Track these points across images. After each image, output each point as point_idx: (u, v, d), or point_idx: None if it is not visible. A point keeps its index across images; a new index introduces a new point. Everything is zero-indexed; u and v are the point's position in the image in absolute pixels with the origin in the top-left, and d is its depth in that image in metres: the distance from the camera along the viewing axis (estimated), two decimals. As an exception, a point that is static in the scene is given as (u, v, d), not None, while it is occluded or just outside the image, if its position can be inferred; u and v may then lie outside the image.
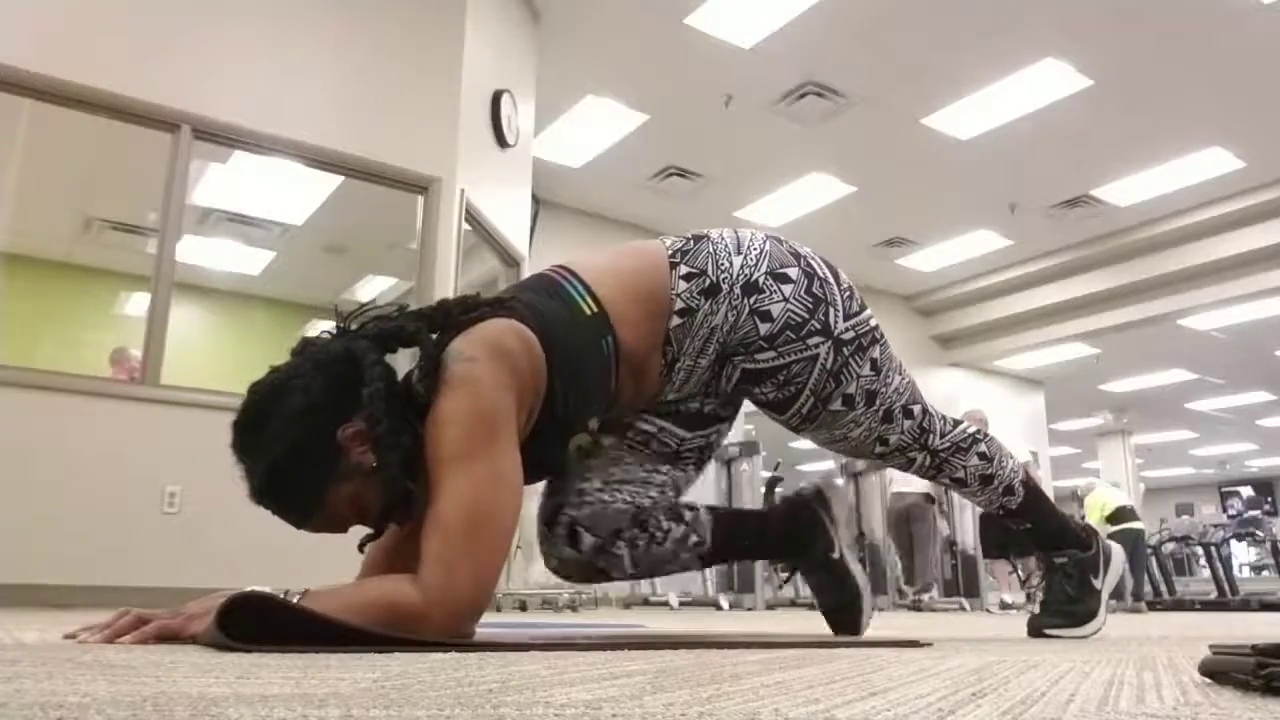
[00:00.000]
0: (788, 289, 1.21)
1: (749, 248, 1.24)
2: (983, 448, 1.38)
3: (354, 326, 1.04)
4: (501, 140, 4.35)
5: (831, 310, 1.23)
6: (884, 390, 1.28)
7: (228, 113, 3.47)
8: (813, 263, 1.27)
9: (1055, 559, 1.47)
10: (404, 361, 1.04)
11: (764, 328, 1.19)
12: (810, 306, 1.22)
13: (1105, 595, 1.47)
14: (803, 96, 5.39)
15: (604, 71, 5.27)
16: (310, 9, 3.78)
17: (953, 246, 7.73)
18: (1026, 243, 7.60)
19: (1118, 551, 1.51)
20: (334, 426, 0.96)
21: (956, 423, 1.39)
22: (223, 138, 3.51)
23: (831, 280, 1.26)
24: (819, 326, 1.22)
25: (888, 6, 4.61)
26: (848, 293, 1.27)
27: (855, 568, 1.41)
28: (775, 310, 1.20)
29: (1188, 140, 5.91)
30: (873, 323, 1.29)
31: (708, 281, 1.19)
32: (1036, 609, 1.58)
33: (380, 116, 3.82)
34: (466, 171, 3.98)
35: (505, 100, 4.35)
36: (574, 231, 6.77)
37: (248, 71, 3.57)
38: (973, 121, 5.66)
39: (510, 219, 4.52)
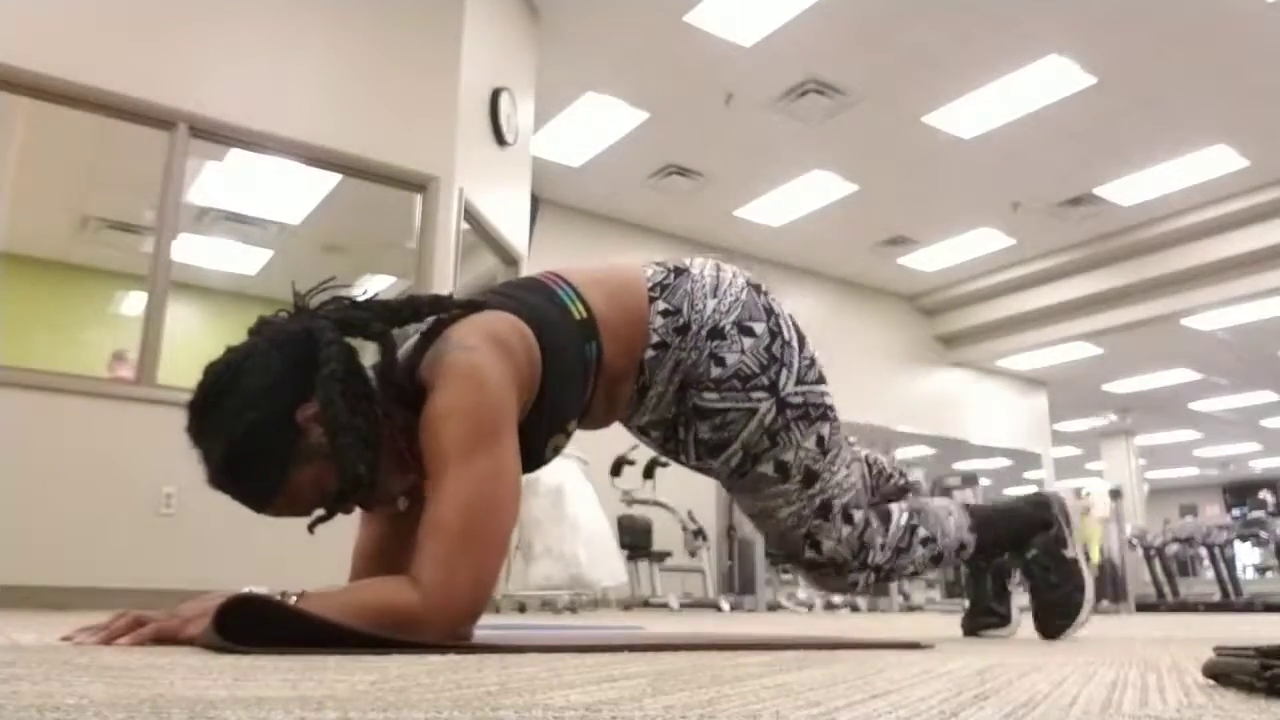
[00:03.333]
0: (748, 342, 1.22)
1: (725, 293, 1.25)
2: (923, 532, 1.32)
3: (313, 306, 1.02)
4: (500, 138, 4.35)
5: (784, 371, 1.23)
6: (826, 475, 1.23)
7: (225, 111, 3.47)
8: (781, 323, 1.27)
9: (1026, 555, 1.49)
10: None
11: (715, 371, 1.21)
12: (764, 363, 1.22)
13: (1081, 555, 1.49)
14: (804, 94, 5.39)
15: (604, 69, 5.27)
16: (308, 7, 3.78)
17: (955, 245, 7.72)
18: (1029, 242, 7.59)
19: (1066, 496, 1.53)
20: (293, 407, 0.93)
21: (885, 515, 1.31)
22: (220, 136, 3.51)
23: (795, 346, 1.26)
24: (766, 383, 1.21)
25: (889, 4, 4.60)
26: (808, 362, 1.26)
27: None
28: (730, 359, 1.21)
29: (1192, 138, 5.90)
30: (828, 400, 1.26)
31: (681, 320, 1.20)
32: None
33: (378, 114, 3.82)
34: (465, 170, 3.98)
35: (504, 98, 4.35)
36: (573, 230, 6.77)
37: (245, 69, 3.56)
38: (975, 119, 5.65)
39: (509, 218, 4.51)
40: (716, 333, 1.21)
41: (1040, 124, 5.66)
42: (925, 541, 1.32)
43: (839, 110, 5.56)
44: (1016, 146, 5.96)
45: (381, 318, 1.01)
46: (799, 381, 1.23)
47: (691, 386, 1.22)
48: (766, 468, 1.22)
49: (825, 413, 1.25)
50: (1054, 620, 1.48)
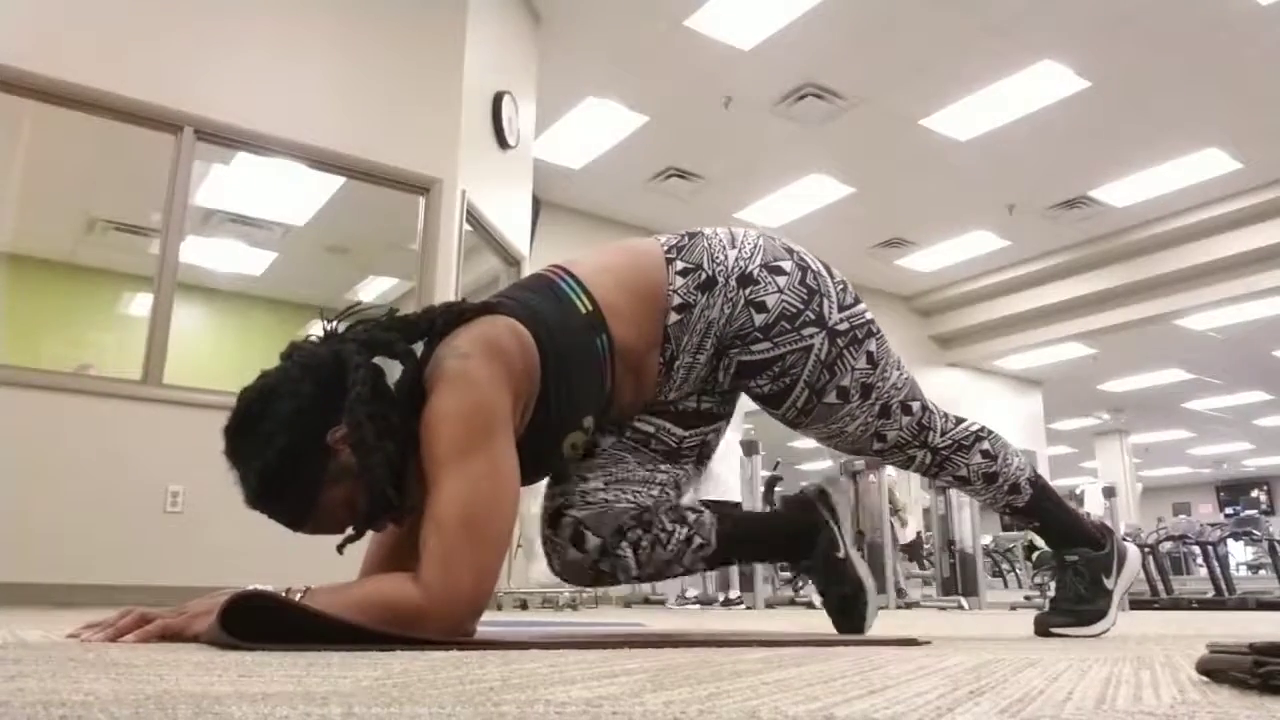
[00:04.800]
0: (782, 280, 1.22)
1: (743, 242, 1.26)
2: (986, 445, 1.38)
3: (342, 329, 1.04)
4: (502, 141, 4.35)
5: (826, 301, 1.25)
6: (880, 384, 1.28)
7: (230, 114, 3.48)
8: (805, 257, 1.29)
9: (1066, 556, 1.47)
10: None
11: (759, 318, 1.20)
12: (805, 297, 1.23)
13: (1118, 595, 1.46)
14: (802, 98, 5.40)
15: (604, 73, 5.27)
16: (313, 11, 3.78)
17: (951, 247, 7.74)
18: (1024, 243, 7.61)
19: (1133, 551, 1.49)
20: (324, 429, 0.96)
21: (959, 420, 1.39)
22: (225, 139, 3.52)
23: (825, 273, 1.28)
24: (813, 317, 1.22)
25: (887, 9, 4.61)
26: (841, 286, 1.29)
27: (861, 566, 1.38)
28: (770, 301, 1.21)
29: (1185, 141, 5.92)
30: (868, 316, 1.30)
31: (704, 275, 1.20)
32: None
33: (382, 118, 3.83)
34: (467, 172, 3.98)
35: (506, 101, 4.36)
36: (575, 232, 6.78)
37: (250, 73, 3.57)
38: (971, 123, 5.67)
39: (511, 220, 4.52)
40: (746, 279, 1.21)
41: (1035, 127, 5.68)
42: (985, 455, 1.37)
43: (837, 114, 5.57)
44: (1011, 149, 5.98)
45: (404, 335, 1.03)
46: (841, 308, 1.26)
47: (734, 346, 1.22)
48: (830, 397, 1.25)
49: (869, 329, 1.28)
50: (1057, 619, 1.46)
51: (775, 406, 1.27)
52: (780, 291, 1.21)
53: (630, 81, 5.35)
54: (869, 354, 1.27)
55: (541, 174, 5.61)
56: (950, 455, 1.36)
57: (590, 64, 5.18)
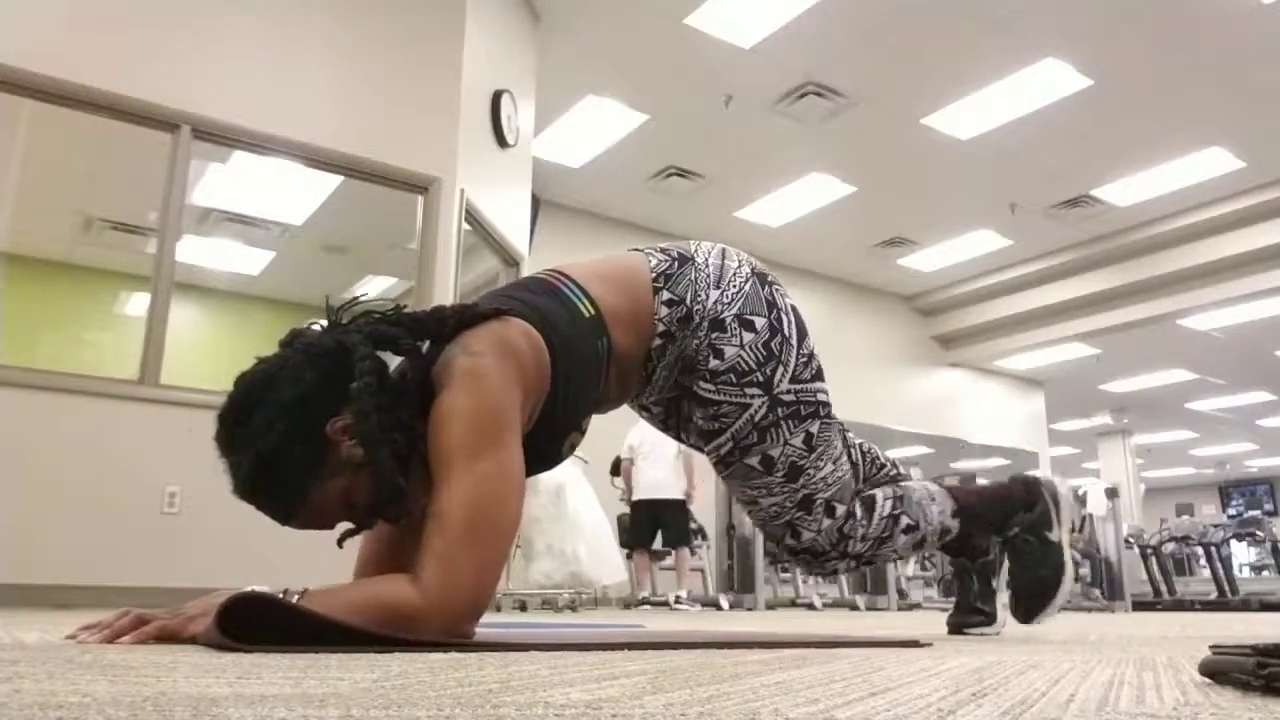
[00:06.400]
0: (748, 337, 1.22)
1: (729, 283, 1.24)
2: (905, 520, 1.33)
3: (345, 320, 1.02)
4: (501, 140, 4.35)
5: (780, 369, 1.23)
6: (810, 470, 1.24)
7: (228, 113, 3.47)
8: (783, 317, 1.26)
9: (1007, 534, 1.46)
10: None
11: (713, 363, 1.21)
12: (761, 359, 1.22)
13: (1066, 541, 1.46)
14: (803, 96, 5.40)
15: (604, 71, 5.27)
16: (310, 9, 3.78)
17: (953, 246, 7.74)
18: (1027, 243, 7.61)
19: (1062, 487, 1.48)
20: (324, 420, 0.94)
21: (869, 507, 1.31)
22: (222, 138, 3.51)
23: (793, 342, 1.26)
24: (761, 379, 1.22)
25: (888, 6, 4.61)
26: (805, 359, 1.26)
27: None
28: (728, 352, 1.21)
29: (1188, 140, 5.92)
30: (822, 398, 1.26)
31: (684, 311, 1.21)
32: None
33: (380, 116, 3.83)
34: (466, 171, 3.98)
35: (505, 100, 4.36)
36: (574, 231, 6.77)
37: (248, 71, 3.57)
38: (973, 121, 5.66)
39: (510, 219, 4.52)
40: (717, 324, 1.21)
41: (1037, 126, 5.67)
42: (908, 530, 1.33)
43: (838, 112, 5.57)
44: (1014, 148, 5.98)
45: (411, 332, 1.02)
46: (793, 380, 1.23)
47: (690, 371, 1.23)
48: (753, 460, 1.23)
49: (817, 410, 1.25)
50: (1029, 602, 1.45)
51: (704, 442, 1.27)
52: (740, 347, 1.21)
53: (630, 80, 5.34)
54: (808, 434, 1.23)
55: (541, 173, 5.61)
56: (876, 553, 1.31)
57: (590, 62, 5.18)
